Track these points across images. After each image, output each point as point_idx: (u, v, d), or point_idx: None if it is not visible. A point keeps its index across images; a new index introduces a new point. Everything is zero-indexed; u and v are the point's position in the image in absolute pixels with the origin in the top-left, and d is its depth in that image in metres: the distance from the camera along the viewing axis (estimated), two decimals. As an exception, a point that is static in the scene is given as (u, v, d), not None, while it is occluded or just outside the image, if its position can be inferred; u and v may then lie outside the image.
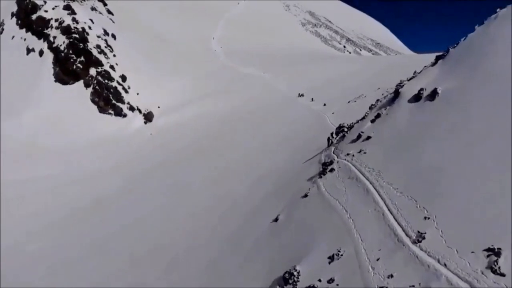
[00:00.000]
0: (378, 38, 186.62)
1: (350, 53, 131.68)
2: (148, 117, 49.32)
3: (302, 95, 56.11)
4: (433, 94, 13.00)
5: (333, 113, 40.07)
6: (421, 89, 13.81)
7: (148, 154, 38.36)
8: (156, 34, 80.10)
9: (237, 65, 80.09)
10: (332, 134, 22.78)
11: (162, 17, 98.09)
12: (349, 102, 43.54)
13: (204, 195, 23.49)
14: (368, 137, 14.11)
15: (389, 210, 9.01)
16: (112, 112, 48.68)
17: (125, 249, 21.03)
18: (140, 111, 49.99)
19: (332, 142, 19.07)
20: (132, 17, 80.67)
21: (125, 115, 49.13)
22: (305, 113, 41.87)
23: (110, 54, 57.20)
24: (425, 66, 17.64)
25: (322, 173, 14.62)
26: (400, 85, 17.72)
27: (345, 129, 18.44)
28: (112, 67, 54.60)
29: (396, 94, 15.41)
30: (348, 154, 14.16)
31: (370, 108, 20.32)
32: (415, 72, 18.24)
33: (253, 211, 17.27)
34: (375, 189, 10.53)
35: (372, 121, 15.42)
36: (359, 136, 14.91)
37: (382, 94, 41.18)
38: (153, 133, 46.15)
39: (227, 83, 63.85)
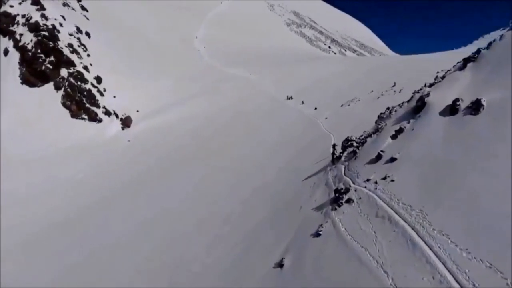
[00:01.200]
0: (361, 38, 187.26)
1: (335, 53, 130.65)
2: (126, 122, 45.48)
3: (291, 97, 53.51)
4: (477, 107, 10.38)
5: (326, 118, 37.56)
6: (457, 100, 11.20)
7: (124, 165, 34.73)
8: (135, 33, 75.79)
9: (222, 66, 76.87)
10: (334, 146, 20.02)
11: (141, 14, 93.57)
12: (342, 105, 41.22)
13: (185, 218, 20.29)
14: (393, 159, 11.37)
15: (459, 284, 6.22)
16: (86, 117, 44.56)
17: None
18: (117, 116, 46.07)
19: (338, 159, 16.29)
20: (108, 14, 76.05)
21: (100, 120, 45.11)
22: (296, 118, 39.19)
23: (83, 54, 52.88)
24: (448, 71, 15.13)
25: (335, 202, 11.79)
26: (418, 91, 15.16)
27: (354, 144, 15.69)
28: (85, 67, 50.35)
29: (421, 104, 12.75)
30: (368, 180, 11.38)
31: (380, 118, 17.67)
32: (436, 77, 15.60)
33: (246, 247, 14.28)
34: (423, 240, 7.75)
35: (393, 137, 12.72)
36: (379, 157, 12.17)
37: (378, 98, 39.12)
38: (131, 139, 42.42)
39: (211, 85, 60.61)
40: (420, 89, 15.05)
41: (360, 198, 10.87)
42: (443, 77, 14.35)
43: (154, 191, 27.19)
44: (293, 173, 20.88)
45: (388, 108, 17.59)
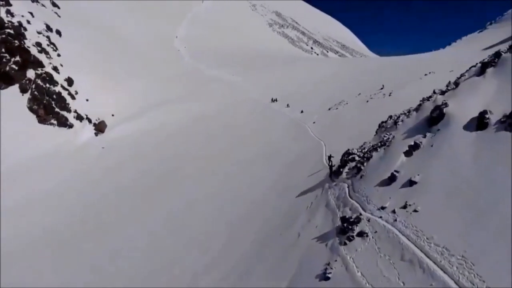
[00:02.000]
0: (342, 39, 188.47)
1: (317, 54, 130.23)
2: (100, 128, 42.27)
3: (276, 100, 51.67)
4: (514, 121, 8.69)
5: (314, 122, 35.83)
6: (485, 112, 9.50)
7: (96, 178, 31.69)
8: (111, 31, 71.99)
9: (204, 67, 74.25)
10: (330, 158, 18.20)
11: (119, 13, 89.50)
12: (329, 109, 39.68)
13: (154, 255, 17.70)
14: (412, 182, 9.54)
15: None
16: (55, 122, 41.00)
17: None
18: (89, 121, 42.74)
19: (337, 173, 14.41)
20: (82, 12, 71.90)
21: (71, 126, 41.67)
22: (282, 123, 37.29)
23: (53, 54, 49.09)
24: (461, 76, 13.51)
25: (343, 233, 9.85)
26: (428, 99, 13.47)
27: (357, 157, 13.85)
28: (55, 68, 46.64)
29: (438, 115, 11.01)
30: (383, 208, 9.50)
31: (382, 127, 15.94)
32: (448, 83, 14.00)
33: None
34: (476, 305, 5.88)
35: (407, 153, 10.92)
36: (392, 178, 10.33)
37: (367, 101, 37.76)
38: (105, 146, 39.29)
39: (193, 87, 57.98)
40: (430, 97, 13.38)
41: (376, 232, 8.95)
42: (456, 84, 12.70)
43: (132, 212, 24.44)
44: (285, 190, 18.74)
45: (390, 117, 15.88)
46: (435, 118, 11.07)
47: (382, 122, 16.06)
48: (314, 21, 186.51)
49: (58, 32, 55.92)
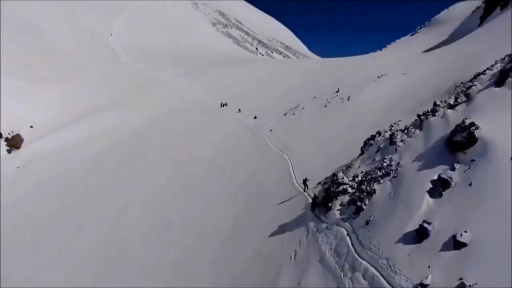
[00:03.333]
0: (285, 40, 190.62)
1: (262, 55, 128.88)
2: (14, 143, 34.62)
3: (226, 104, 47.92)
4: None
5: (270, 130, 32.67)
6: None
7: (8, 205, 25.18)
8: (28, 28, 61.87)
9: (143, 68, 67.45)
10: (305, 182, 15.19)
11: (42, 9, 77.99)
12: (285, 114, 37.05)
13: None
14: (459, 244, 6.62)
15: None
16: (-49, 138, 32.49)
17: None
18: (0, 135, 34.82)
19: (324, 209, 11.27)
20: (7, 11, 60.68)
21: (-26, 142, 33.42)
22: (236, 132, 33.61)
23: None
24: (470, 86, 11.15)
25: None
26: (428, 114, 10.91)
27: (349, 190, 10.84)
28: (-50, 70, 37.49)
29: (467, 139, 8.33)
30: (423, 287, 6.42)
31: (369, 144, 13.23)
32: (456, 92, 11.59)
33: None
34: None
35: (433, 193, 8.09)
36: (423, 232, 7.36)
37: (325, 106, 35.75)
38: (21, 166, 32.10)
39: (130, 92, 51.56)
40: (433, 111, 10.82)
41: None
42: (467, 96, 10.29)
43: (49, 249, 19.08)
44: (252, 226, 14.88)
45: (379, 133, 13.19)
46: (462, 144, 8.37)
47: (368, 139, 13.32)
48: (257, 21, 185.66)
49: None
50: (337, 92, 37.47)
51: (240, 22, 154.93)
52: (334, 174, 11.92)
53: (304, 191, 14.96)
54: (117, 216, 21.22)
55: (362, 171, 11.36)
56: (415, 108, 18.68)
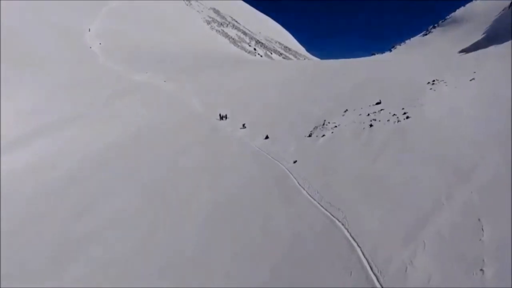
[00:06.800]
0: (283, 41, 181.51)
1: (261, 56, 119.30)
2: None
3: (225, 117, 37.86)
4: None
5: (295, 162, 22.35)
6: None
7: None
8: (7, 31, 51.29)
9: (125, 70, 57.15)
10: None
11: (21, 10, 67.21)
12: (310, 135, 27.05)
13: None
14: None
15: None
16: None
17: None
18: None
19: None
20: None
21: None
22: (243, 161, 23.44)
23: None
24: None
25: None
26: None
27: None
28: None
29: None
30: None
31: None
32: None
33: None
34: None
35: None
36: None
37: (371, 126, 25.48)
38: None
39: (108, 98, 41.32)
40: None
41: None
42: None
43: None
44: None
45: None
46: None
47: None
48: (254, 21, 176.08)
49: None
50: (378, 103, 27.73)
51: (236, 21, 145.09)
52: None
53: None
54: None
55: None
56: None
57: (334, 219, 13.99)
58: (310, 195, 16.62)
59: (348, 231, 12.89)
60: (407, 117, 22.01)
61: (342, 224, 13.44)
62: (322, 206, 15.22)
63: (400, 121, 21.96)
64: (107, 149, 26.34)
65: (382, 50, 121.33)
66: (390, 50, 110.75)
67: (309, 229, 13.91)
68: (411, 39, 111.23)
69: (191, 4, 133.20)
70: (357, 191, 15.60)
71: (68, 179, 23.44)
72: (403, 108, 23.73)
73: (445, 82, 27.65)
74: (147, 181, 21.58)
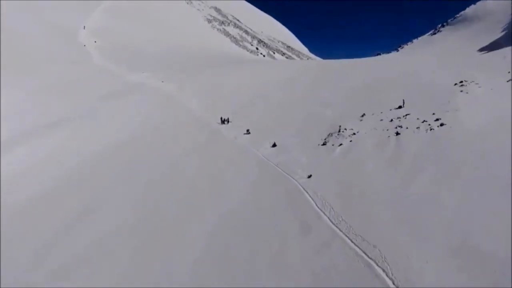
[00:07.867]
0: (285, 41, 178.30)
1: (264, 56, 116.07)
2: None
3: (227, 120, 34.75)
4: None
5: (309, 176, 19.13)
6: None
7: None
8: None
9: (122, 69, 54.12)
10: None
11: (13, 7, 64.18)
12: (324, 144, 23.94)
13: None
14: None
15: None
16: None
17: None
18: None
19: None
20: None
21: None
22: (247, 176, 20.15)
23: None
24: None
25: None
26: None
27: None
28: None
29: None
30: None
31: None
32: None
33: None
34: None
35: None
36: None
37: (397, 134, 21.86)
38: None
39: (100, 100, 38.16)
40: None
41: None
42: None
43: None
44: None
45: None
46: None
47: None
48: (256, 20, 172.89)
49: None
50: (400, 107, 24.54)
51: (238, 20, 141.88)
52: None
53: None
54: None
55: None
56: None
57: (370, 261, 10.80)
58: (333, 223, 13.45)
59: (393, 282, 9.69)
60: (441, 124, 18.80)
61: (383, 270, 10.26)
62: (351, 241, 12.03)
63: (433, 129, 18.75)
64: (97, 159, 23.19)
65: (388, 50, 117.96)
66: (397, 50, 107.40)
67: (334, 272, 10.71)
68: (419, 38, 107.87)
69: (191, 2, 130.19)
70: (395, 222, 12.40)
71: (66, 176, 20.27)
72: (433, 114, 20.53)
73: (476, 83, 24.45)
74: (140, 198, 18.39)
